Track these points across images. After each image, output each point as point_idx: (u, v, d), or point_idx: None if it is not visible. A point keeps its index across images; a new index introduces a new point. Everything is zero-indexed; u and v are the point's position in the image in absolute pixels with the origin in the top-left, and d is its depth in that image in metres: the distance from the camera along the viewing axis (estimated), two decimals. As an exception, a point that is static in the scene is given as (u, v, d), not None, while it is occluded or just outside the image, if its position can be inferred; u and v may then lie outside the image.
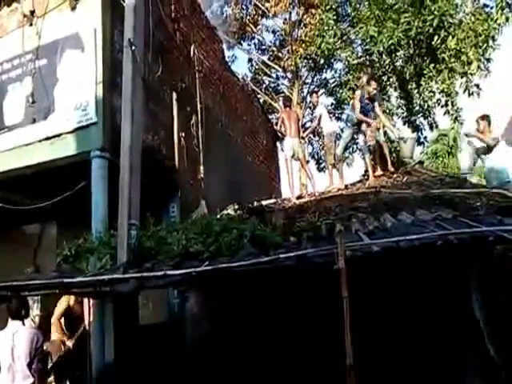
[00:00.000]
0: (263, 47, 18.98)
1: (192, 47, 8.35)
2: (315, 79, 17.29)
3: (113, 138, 5.82)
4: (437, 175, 7.36)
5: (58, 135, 5.85)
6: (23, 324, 4.46)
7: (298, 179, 14.13)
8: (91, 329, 4.43)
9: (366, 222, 4.47)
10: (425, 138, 14.34)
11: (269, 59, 18.28)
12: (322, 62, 15.57)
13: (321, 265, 3.40)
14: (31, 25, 6.46)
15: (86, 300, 4.81)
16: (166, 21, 7.72)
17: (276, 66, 17.80)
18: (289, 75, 17.59)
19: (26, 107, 6.08)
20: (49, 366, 5.24)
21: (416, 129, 13.95)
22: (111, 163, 5.72)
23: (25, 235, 7.69)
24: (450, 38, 11.27)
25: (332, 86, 15.60)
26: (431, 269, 4.01)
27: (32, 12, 6.49)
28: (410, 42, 11.95)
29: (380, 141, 8.50)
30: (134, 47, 4.93)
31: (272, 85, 18.52)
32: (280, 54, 18.08)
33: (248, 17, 17.97)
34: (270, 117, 16.51)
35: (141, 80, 5.16)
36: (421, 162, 8.95)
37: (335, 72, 15.76)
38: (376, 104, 8.29)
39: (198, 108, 8.09)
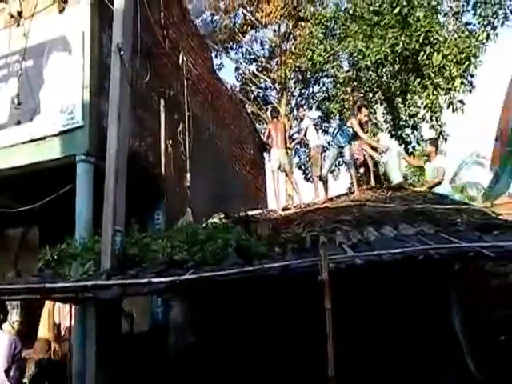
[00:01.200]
0: (251, 57, 19.13)
1: (181, 54, 8.36)
2: (303, 92, 17.47)
3: (99, 142, 5.78)
4: (419, 191, 7.53)
5: (43, 138, 5.79)
6: (1, 329, 4.37)
7: (284, 190, 14.18)
8: (72, 335, 4.37)
9: (349, 235, 4.52)
10: (413, 147, 14.47)
11: (257, 70, 18.42)
12: (309, 75, 15.75)
13: (304, 276, 3.42)
14: (18, 25, 6.41)
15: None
16: (154, 27, 7.73)
17: (264, 77, 17.95)
18: (277, 86, 17.74)
19: (11, 108, 5.99)
20: (29, 372, 5.14)
21: (403, 142, 14.17)
22: (96, 168, 5.67)
23: (6, 239, 7.53)
24: (435, 54, 11.53)
25: (320, 99, 15.75)
26: (412, 282, 4.07)
27: (19, 13, 6.44)
28: (397, 57, 12.17)
29: (366, 156, 8.61)
30: (122, 52, 4.92)
31: (260, 95, 18.65)
32: (268, 65, 18.25)
33: (237, 26, 18.12)
34: (258, 127, 16.61)
35: (128, 85, 5.14)
36: (404, 178, 9.11)
37: (323, 85, 15.95)
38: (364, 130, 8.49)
39: (186, 115, 8.09)
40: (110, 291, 3.38)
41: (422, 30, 11.52)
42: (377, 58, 11.91)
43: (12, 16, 6.46)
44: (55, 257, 4.20)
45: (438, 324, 4.10)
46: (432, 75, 11.95)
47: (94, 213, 5.36)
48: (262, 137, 11.64)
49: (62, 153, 5.73)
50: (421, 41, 11.60)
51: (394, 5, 12.41)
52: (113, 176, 4.50)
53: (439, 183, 7.48)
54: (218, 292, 4.05)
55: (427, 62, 11.94)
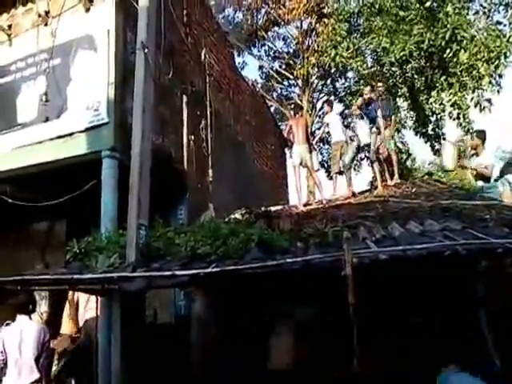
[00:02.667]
0: (274, 54, 19.08)
1: (203, 51, 8.40)
2: (326, 88, 17.33)
3: (123, 138, 5.86)
4: (446, 187, 7.36)
5: (70, 134, 5.91)
6: (30, 319, 4.50)
7: (306, 187, 14.13)
8: (98, 326, 4.47)
9: (373, 231, 4.47)
10: (437, 150, 14.21)
11: (280, 67, 18.36)
12: (333, 70, 15.59)
13: (327, 271, 3.40)
14: (46, 25, 6.55)
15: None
16: (177, 24, 7.80)
17: (287, 74, 17.87)
18: (300, 83, 17.64)
19: (39, 105, 6.14)
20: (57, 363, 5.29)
21: (428, 139, 13.95)
22: (121, 163, 5.77)
23: (34, 233, 7.74)
24: (462, 52, 11.27)
25: (342, 94, 15.62)
26: (438, 278, 4.00)
27: (47, 12, 6.58)
28: (422, 53, 11.95)
29: (389, 150, 8.49)
30: (146, 49, 4.98)
31: (283, 92, 18.59)
32: (291, 62, 18.15)
33: (259, 23, 18.08)
34: (280, 124, 16.56)
35: (152, 82, 5.20)
36: (430, 174, 8.92)
37: (346, 80, 15.80)
38: (379, 111, 8.20)
39: (208, 112, 8.13)
40: (135, 283, 3.44)
41: (449, 26, 11.28)
42: (401, 54, 11.74)
43: (40, 15, 6.61)
44: (82, 249, 4.28)
45: (463, 320, 4.02)
46: (458, 73, 11.69)
47: (118, 207, 5.47)
48: (283, 133, 11.61)
49: (88, 149, 5.84)
50: (447, 38, 11.37)
51: (423, -1, 12.20)
52: (137, 171, 4.57)
53: (488, 178, 6.71)
54: (240, 286, 4.07)
55: (454, 60, 11.69)
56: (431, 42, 11.50)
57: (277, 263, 3.40)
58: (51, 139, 5.95)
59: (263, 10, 17.89)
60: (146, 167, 4.73)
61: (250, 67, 30.75)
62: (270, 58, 18.93)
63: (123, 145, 5.82)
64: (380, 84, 8.35)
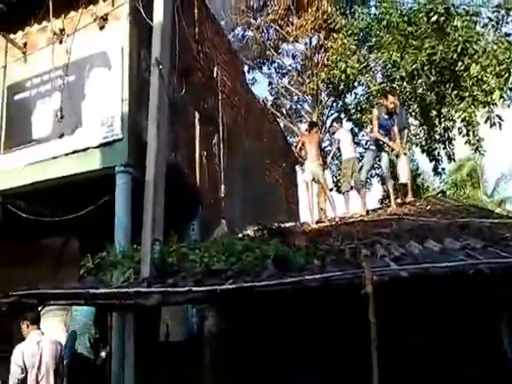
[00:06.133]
0: (283, 71, 19.20)
1: (215, 69, 8.47)
2: (336, 104, 17.35)
3: (137, 154, 5.90)
4: (460, 205, 7.26)
5: (85, 149, 5.95)
6: (42, 334, 4.50)
7: (317, 203, 14.02)
8: (112, 341, 4.42)
9: (390, 248, 4.39)
10: (442, 169, 14.07)
11: (289, 83, 18.45)
12: (342, 86, 15.60)
13: (345, 288, 3.33)
14: (61, 42, 6.64)
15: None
16: (190, 42, 7.89)
17: (296, 90, 17.95)
18: (309, 99, 17.69)
19: (54, 121, 6.20)
20: None
21: (434, 158, 13.80)
22: (134, 179, 5.79)
23: (47, 248, 7.74)
24: (474, 65, 11.21)
25: (352, 110, 15.56)
26: (459, 298, 3.89)
27: (62, 30, 6.68)
28: (433, 68, 11.92)
29: (399, 168, 8.31)
30: (161, 66, 5.02)
31: (293, 108, 18.63)
32: (300, 79, 18.25)
33: (269, 41, 18.26)
34: (290, 140, 16.54)
35: (167, 98, 5.23)
36: (443, 192, 8.77)
37: (355, 96, 15.77)
38: (395, 120, 7.91)
39: (220, 128, 8.15)
40: (151, 299, 3.40)
41: (460, 39, 11.25)
42: (413, 67, 11.70)
43: (55, 33, 6.71)
44: (97, 264, 4.26)
45: (485, 342, 3.90)
46: (469, 87, 11.61)
47: (132, 223, 5.47)
48: (294, 150, 11.60)
49: (101, 164, 5.88)
50: (459, 51, 11.32)
51: (430, 14, 12.23)
52: (152, 186, 4.57)
53: None
54: (256, 303, 4.00)
55: (465, 74, 11.63)
56: (443, 55, 11.44)
57: (295, 280, 3.33)
58: (66, 154, 5.99)
59: (272, 29, 18.10)
60: (161, 183, 4.73)
61: (260, 85, 30.90)
62: (279, 75, 19.05)
63: (137, 160, 5.85)
64: (391, 97, 8.21)
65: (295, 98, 18.80)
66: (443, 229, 5.13)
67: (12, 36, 6.84)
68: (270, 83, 18.98)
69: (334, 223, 7.40)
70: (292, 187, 13.73)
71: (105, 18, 6.42)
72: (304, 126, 18.34)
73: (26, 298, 3.69)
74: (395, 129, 7.85)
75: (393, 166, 8.20)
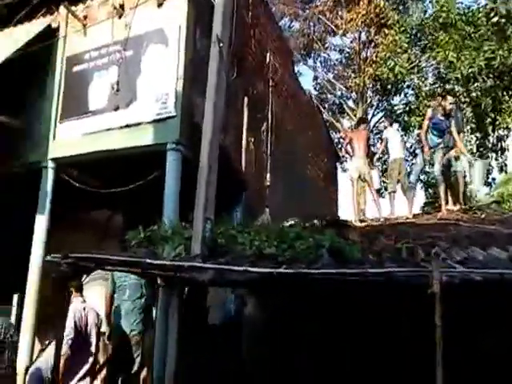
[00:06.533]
0: (329, 65, 18.89)
1: (268, 54, 8.31)
2: (381, 104, 16.89)
3: (188, 132, 5.86)
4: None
5: (138, 124, 5.94)
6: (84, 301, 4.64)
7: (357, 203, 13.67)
8: (157, 317, 4.41)
9: (451, 252, 4.15)
10: (493, 179, 13.47)
11: (334, 78, 18.13)
12: (390, 85, 15.16)
13: (407, 287, 3.14)
14: (120, 17, 6.64)
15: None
16: (243, 26, 7.76)
17: (341, 85, 17.61)
18: (353, 95, 17.33)
19: (110, 95, 6.21)
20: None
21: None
22: (184, 157, 5.75)
23: (94, 220, 7.83)
24: (537, 73, 10.65)
25: (399, 111, 15.02)
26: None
27: (122, 6, 6.68)
28: (491, 72, 11.38)
29: (457, 172, 7.93)
30: (221, 44, 4.89)
31: (336, 103, 18.30)
32: (345, 74, 17.89)
33: (316, 33, 17.94)
34: (332, 136, 16.22)
35: (225, 77, 5.10)
36: (497, 202, 8.27)
37: (404, 96, 15.24)
38: (453, 123, 7.59)
39: (269, 115, 8.01)
40: (206, 274, 3.32)
41: (524, 45, 10.72)
42: (469, 71, 11.23)
43: (115, 8, 6.71)
44: (147, 237, 4.23)
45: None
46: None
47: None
48: (340, 146, 11.36)
49: (153, 140, 5.85)
50: (522, 56, 10.80)
51: (490, 15, 11.68)
52: (206, 164, 4.45)
53: None
54: (303, 291, 3.85)
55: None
56: (502, 60, 10.91)
57: (357, 272, 3.17)
58: (120, 128, 6.00)
59: (319, 21, 17.77)
60: (215, 162, 4.62)
61: (304, 77, 30.42)
62: (324, 70, 18.76)
63: (187, 139, 5.80)
64: (450, 98, 7.86)
65: (339, 93, 18.46)
66: (505, 237, 4.84)
67: (73, 8, 6.88)
68: (316, 77, 18.71)
69: (378, 223, 7.15)
70: (332, 183, 13.46)
71: (163, -5, 6.38)
72: (346, 123, 18.04)
73: (83, 261, 3.68)
74: (454, 130, 7.48)
75: (448, 167, 7.83)
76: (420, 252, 4.08)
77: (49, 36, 6.82)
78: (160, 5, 6.43)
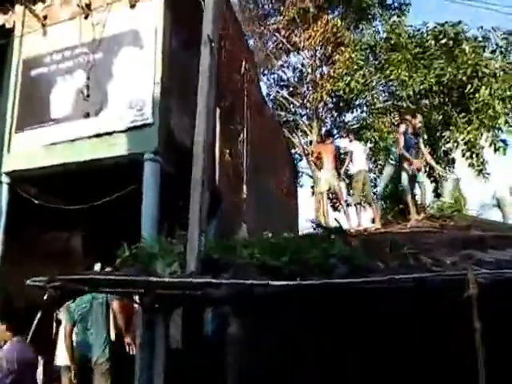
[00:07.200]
0: (282, 83, 19.06)
1: (243, 63, 8.14)
2: (335, 120, 17.29)
3: (166, 141, 5.48)
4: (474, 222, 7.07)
5: (110, 133, 5.46)
6: None
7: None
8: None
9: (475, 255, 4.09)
10: (439, 194, 14.04)
11: (289, 94, 18.31)
12: (343, 103, 15.60)
13: (442, 291, 2.98)
14: (86, 17, 6.18)
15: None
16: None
17: (296, 102, 17.81)
18: (308, 112, 17.57)
19: (76, 101, 5.69)
20: None
21: (434, 181, 13.80)
22: (162, 169, 5.34)
23: (54, 241, 7.02)
24: (483, 88, 11.30)
25: (352, 127, 15.43)
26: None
27: (88, 5, 6.23)
28: (442, 88, 11.96)
29: (420, 183, 8.19)
30: (213, 44, 4.62)
31: (291, 119, 18.45)
32: (299, 92, 18.13)
33: (270, 51, 18.13)
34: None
35: (215, 78, 4.80)
36: (458, 211, 8.60)
37: (360, 112, 15.71)
38: (420, 139, 8.00)
39: (245, 127, 7.78)
40: (220, 290, 2.96)
41: (470, 62, 11.37)
42: (421, 87, 11.72)
43: (82, 8, 6.24)
44: (133, 255, 3.77)
45: None
46: (479, 110, 11.66)
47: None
48: (309, 158, 11.34)
49: (128, 150, 5.39)
50: (468, 73, 11.41)
51: (439, 36, 12.36)
52: (200, 174, 4.10)
53: None
54: (318, 304, 3.58)
55: (473, 96, 11.70)
56: (451, 77, 11.50)
57: (387, 278, 2.96)
58: (89, 137, 5.49)
59: (274, 38, 18.01)
60: (206, 177, 4.27)
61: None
62: (278, 86, 18.91)
63: (165, 148, 5.42)
64: (419, 116, 8.16)
65: (292, 109, 18.67)
66: (493, 240, 4.90)
67: (32, 7, 6.32)
68: (268, 94, 18.78)
69: (358, 233, 7.07)
70: (293, 197, 13.40)
71: (136, -4, 6.03)
72: (302, 140, 18.24)
73: (74, 284, 3.15)
74: (422, 146, 7.83)
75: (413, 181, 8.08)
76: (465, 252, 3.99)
77: (2, 36, 6.21)
78: (133, 6, 6.07)
